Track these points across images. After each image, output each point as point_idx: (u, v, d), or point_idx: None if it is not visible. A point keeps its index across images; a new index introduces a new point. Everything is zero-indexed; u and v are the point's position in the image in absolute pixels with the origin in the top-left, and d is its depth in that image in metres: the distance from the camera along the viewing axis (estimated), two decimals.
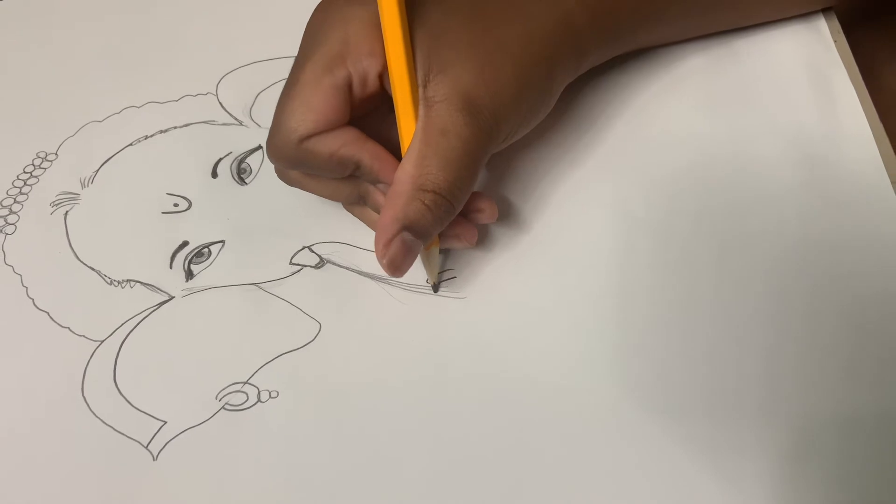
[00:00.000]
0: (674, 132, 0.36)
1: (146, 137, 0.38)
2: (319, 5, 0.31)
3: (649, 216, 0.34)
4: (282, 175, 0.32)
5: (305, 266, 0.34)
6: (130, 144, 0.38)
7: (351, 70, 0.29)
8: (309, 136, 0.29)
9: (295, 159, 0.30)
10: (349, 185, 0.31)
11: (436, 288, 0.32)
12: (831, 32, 0.39)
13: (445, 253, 0.34)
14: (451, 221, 0.30)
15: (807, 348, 0.31)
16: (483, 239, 0.34)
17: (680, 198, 0.34)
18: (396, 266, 0.29)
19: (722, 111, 0.37)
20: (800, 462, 0.28)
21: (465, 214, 0.32)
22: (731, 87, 0.38)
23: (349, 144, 0.29)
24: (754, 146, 0.35)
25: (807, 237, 0.33)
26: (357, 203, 0.33)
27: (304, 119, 0.29)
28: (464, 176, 0.29)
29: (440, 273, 0.33)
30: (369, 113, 0.30)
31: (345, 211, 0.35)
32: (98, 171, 0.37)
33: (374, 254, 0.33)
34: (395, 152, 0.30)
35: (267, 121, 0.36)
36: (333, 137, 0.29)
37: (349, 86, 0.29)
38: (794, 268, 0.32)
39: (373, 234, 0.33)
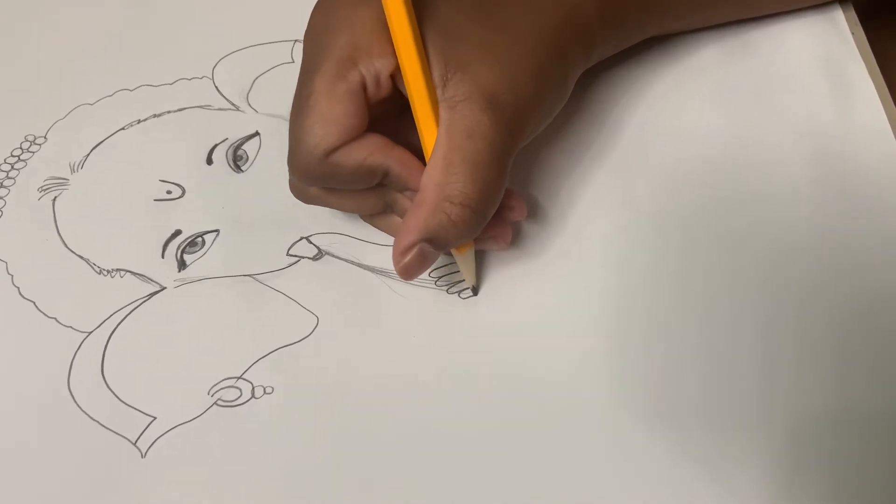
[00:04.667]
0: (686, 126, 0.35)
1: (139, 122, 0.37)
2: (318, 7, 0.29)
3: (660, 211, 0.33)
4: (299, 193, 0.31)
5: (303, 257, 0.33)
6: (122, 129, 0.37)
7: (364, 72, 0.28)
8: (334, 150, 0.28)
9: (322, 175, 0.28)
10: (374, 196, 0.30)
11: (475, 290, 0.32)
12: (848, 24, 0.38)
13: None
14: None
15: (826, 349, 0.30)
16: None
17: (692, 193, 0.34)
18: (410, 273, 0.29)
19: (735, 104, 0.36)
20: (796, 462, 0.28)
21: (499, 213, 0.30)
22: (744, 79, 0.37)
23: (376, 152, 0.28)
24: (768, 140, 0.35)
25: (821, 235, 0.32)
26: (382, 213, 0.32)
27: (326, 132, 0.27)
28: (493, 183, 0.28)
29: (443, 267, 0.33)
30: (384, 116, 0.29)
31: None
32: (88, 155, 0.36)
33: (374, 245, 0.33)
34: (418, 156, 0.29)
35: (265, 106, 0.37)
36: (359, 147, 0.28)
37: (364, 89, 0.28)
38: (809, 266, 0.32)
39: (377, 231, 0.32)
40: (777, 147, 0.35)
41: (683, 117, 0.36)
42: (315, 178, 0.29)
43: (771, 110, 0.36)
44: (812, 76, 0.37)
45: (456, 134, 0.27)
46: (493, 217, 0.29)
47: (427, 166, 0.28)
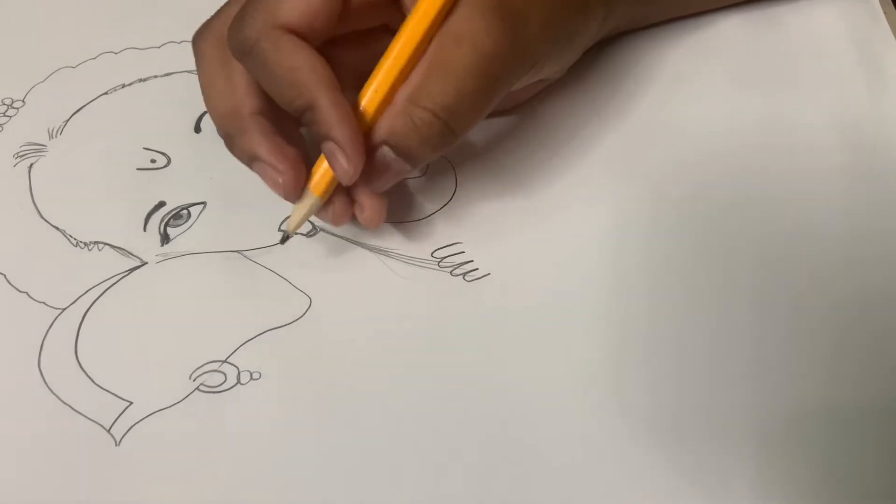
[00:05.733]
0: (706, 107, 0.34)
1: (123, 86, 0.36)
2: None
3: (677, 196, 0.32)
4: (199, 46, 0.29)
5: (296, 233, 0.31)
6: (105, 93, 0.36)
7: None
8: (285, 28, 0.25)
9: (251, 49, 0.25)
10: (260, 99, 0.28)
11: (285, 239, 0.30)
12: (881, 3, 0.37)
13: (454, 225, 0.32)
14: (335, 190, 0.28)
15: (857, 347, 0.28)
16: (496, 212, 0.32)
17: (710, 178, 0.32)
18: (372, 182, 0.27)
19: (759, 86, 0.35)
20: (791, 458, 0.27)
21: (350, 196, 0.29)
22: (770, 59, 0.36)
23: (316, 72, 0.25)
24: (794, 125, 0.34)
25: (851, 228, 0.31)
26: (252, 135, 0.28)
27: (292, 4, 0.25)
28: (471, 96, 0.26)
29: (447, 247, 0.31)
30: (343, 43, 0.27)
31: None
32: (68, 121, 0.35)
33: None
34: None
35: None
36: (306, 52, 0.25)
37: None
38: (837, 260, 0.30)
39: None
40: (803, 133, 0.33)
41: (703, 98, 0.35)
42: (242, 46, 0.26)
43: (797, 93, 0.34)
44: (842, 57, 0.36)
45: (446, 39, 0.26)
46: (337, 188, 0.28)
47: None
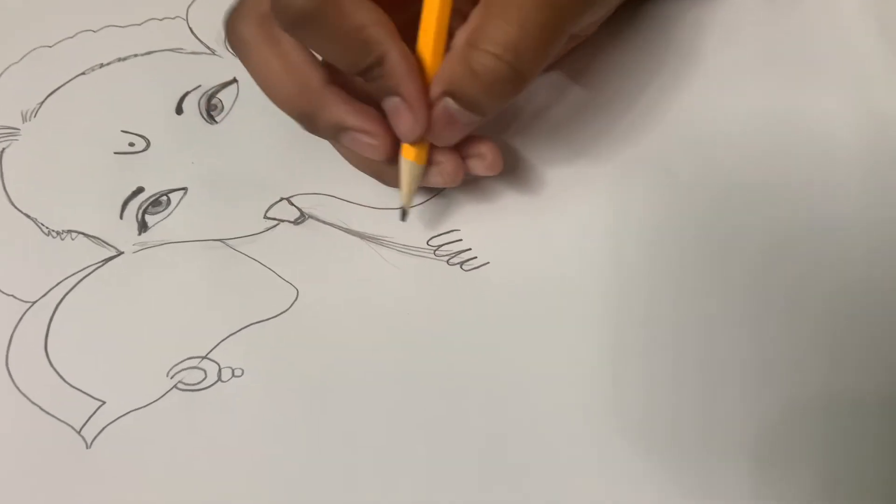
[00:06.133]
0: (720, 86, 0.32)
1: (101, 66, 0.35)
2: None
3: (686, 180, 0.30)
4: (240, 31, 0.26)
5: (283, 221, 0.31)
6: (83, 73, 0.34)
7: None
8: None
9: (311, 17, 0.23)
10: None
11: (404, 215, 0.28)
12: None
13: (451, 211, 0.30)
14: (437, 149, 0.26)
15: (864, 340, 0.27)
16: (496, 198, 0.30)
17: (724, 163, 0.31)
18: (439, 136, 0.26)
19: (776, 65, 0.33)
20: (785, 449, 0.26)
21: (462, 153, 0.27)
22: (788, 36, 0.34)
23: (383, 26, 0.24)
24: (813, 107, 0.32)
25: (874, 218, 0.29)
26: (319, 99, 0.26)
27: None
28: (535, 29, 0.23)
29: (444, 234, 0.30)
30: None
31: (333, 157, 0.30)
32: (43, 102, 0.34)
33: (365, 208, 0.30)
34: None
35: None
36: (368, 5, 0.24)
37: None
38: (860, 250, 0.28)
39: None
40: (822, 115, 0.31)
41: (718, 76, 0.33)
42: (299, 18, 0.24)
43: (816, 72, 0.32)
44: (865, 37, 0.33)
45: None
46: (449, 151, 0.26)
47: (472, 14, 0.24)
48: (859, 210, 0.29)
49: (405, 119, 0.25)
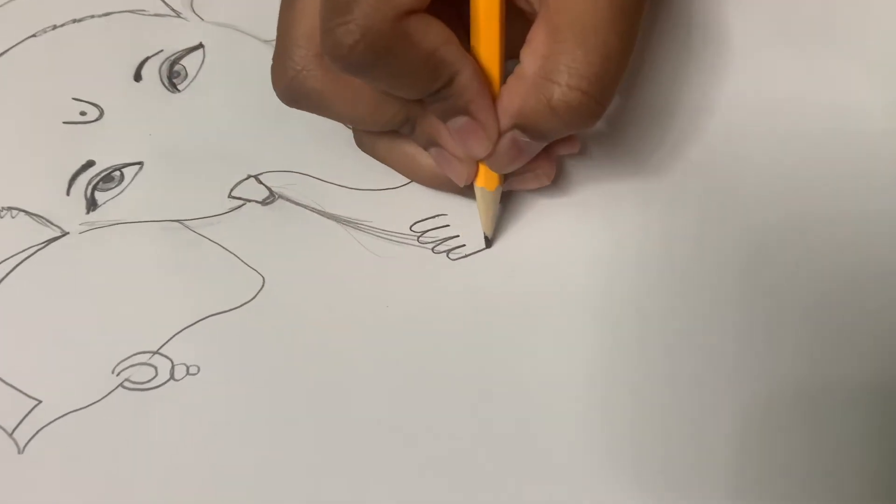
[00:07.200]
0: (739, 68, 0.31)
1: (54, 28, 0.33)
2: None
3: (697, 160, 0.29)
4: (289, 84, 0.24)
5: (249, 201, 0.29)
6: (33, 35, 0.33)
7: None
8: (410, 12, 0.21)
9: (382, 49, 0.22)
10: (395, 106, 0.25)
11: (489, 242, 0.28)
12: None
13: (437, 194, 0.28)
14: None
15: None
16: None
17: (744, 147, 0.29)
18: (502, 166, 0.25)
19: (799, 44, 0.31)
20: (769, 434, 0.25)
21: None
22: (809, 13, 0.32)
23: (453, 44, 0.23)
24: (837, 88, 0.30)
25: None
26: (390, 137, 0.27)
27: None
28: (614, 54, 0.22)
29: (429, 219, 0.28)
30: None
31: (307, 132, 0.29)
32: None
33: (342, 189, 0.29)
34: None
35: (213, 13, 0.33)
36: (436, 26, 0.22)
37: None
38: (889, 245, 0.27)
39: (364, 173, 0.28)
40: (847, 96, 0.30)
41: (737, 58, 0.31)
42: (371, 50, 0.22)
43: (840, 52, 0.31)
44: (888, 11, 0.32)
45: None
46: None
47: (528, 36, 0.23)
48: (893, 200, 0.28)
49: (479, 138, 0.24)
